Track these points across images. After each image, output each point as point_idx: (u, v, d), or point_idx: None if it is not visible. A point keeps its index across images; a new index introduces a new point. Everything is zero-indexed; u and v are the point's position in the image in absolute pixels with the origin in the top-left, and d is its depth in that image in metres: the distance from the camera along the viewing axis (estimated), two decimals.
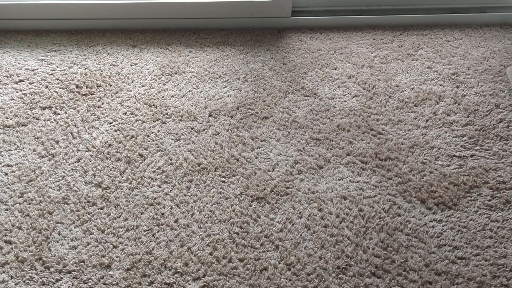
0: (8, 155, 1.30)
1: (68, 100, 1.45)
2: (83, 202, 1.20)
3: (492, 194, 1.23)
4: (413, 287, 1.06)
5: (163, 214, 1.18)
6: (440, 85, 1.51)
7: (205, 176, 1.26)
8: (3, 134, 1.35)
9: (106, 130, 1.37)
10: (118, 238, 1.14)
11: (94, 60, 1.58)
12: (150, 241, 1.13)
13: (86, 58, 1.59)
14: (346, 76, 1.53)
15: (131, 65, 1.57)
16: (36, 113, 1.41)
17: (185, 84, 1.51)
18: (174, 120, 1.40)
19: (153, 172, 1.27)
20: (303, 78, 1.53)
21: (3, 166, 1.28)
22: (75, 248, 1.12)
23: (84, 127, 1.38)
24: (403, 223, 1.16)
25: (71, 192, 1.22)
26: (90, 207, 1.19)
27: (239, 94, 1.48)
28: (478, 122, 1.40)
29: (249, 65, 1.57)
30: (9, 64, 1.56)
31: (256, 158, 1.30)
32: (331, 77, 1.53)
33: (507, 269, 1.09)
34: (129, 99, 1.46)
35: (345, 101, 1.46)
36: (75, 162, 1.29)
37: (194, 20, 1.69)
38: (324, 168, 1.28)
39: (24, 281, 1.07)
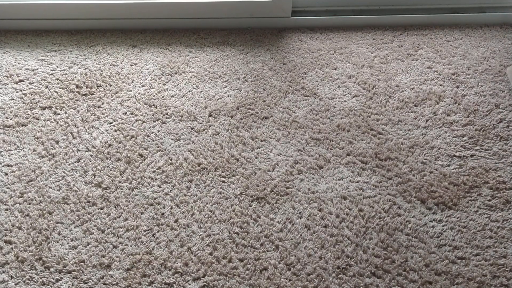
0: (8, 155, 1.30)
1: (68, 100, 1.45)
2: (83, 202, 1.20)
3: (492, 194, 1.23)
4: (413, 287, 1.06)
5: (163, 214, 1.18)
6: (440, 85, 1.51)
7: (205, 176, 1.26)
8: (3, 134, 1.35)
9: (106, 130, 1.37)
10: (118, 238, 1.14)
11: (94, 60, 1.58)
12: (150, 241, 1.13)
13: (86, 58, 1.59)
14: (346, 76, 1.53)
15: (131, 65, 1.57)
16: (36, 113, 1.41)
17: (185, 84, 1.51)
18: (174, 120, 1.40)
19: (153, 172, 1.27)
20: (303, 78, 1.53)
21: (3, 166, 1.28)
22: (75, 248, 1.12)
23: (84, 127, 1.38)
24: (403, 223, 1.16)
25: (71, 192, 1.22)
26: (90, 207, 1.19)
27: (239, 94, 1.48)
28: (478, 122, 1.40)
29: (249, 65, 1.57)
30: (9, 64, 1.56)
31: (256, 158, 1.30)
32: (331, 77, 1.53)
33: (507, 269, 1.09)
34: (129, 99, 1.46)
35: (345, 101, 1.46)
36: (75, 162, 1.29)
37: (194, 20, 1.69)
38: (324, 168, 1.28)
39: (24, 281, 1.07)
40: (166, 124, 1.39)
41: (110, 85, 1.50)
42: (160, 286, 1.06)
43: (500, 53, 1.62)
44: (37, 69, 1.55)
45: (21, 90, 1.48)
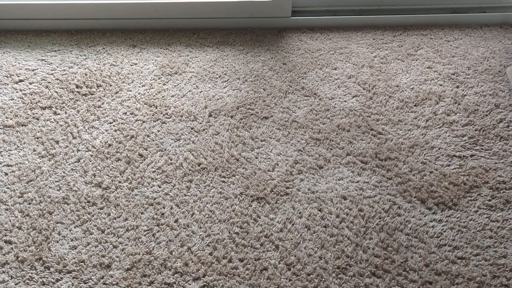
0: (8, 155, 1.30)
1: (68, 100, 1.45)
2: (83, 202, 1.20)
3: (492, 194, 1.23)
4: (413, 287, 1.06)
5: (163, 214, 1.18)
6: (440, 85, 1.51)
7: (205, 176, 1.26)
8: (3, 134, 1.36)
9: (106, 130, 1.37)
10: (118, 238, 1.14)
11: (94, 60, 1.58)
12: (150, 241, 1.13)
13: (86, 58, 1.59)
14: (346, 76, 1.53)
15: (131, 65, 1.57)
16: (36, 113, 1.41)
17: (185, 84, 1.51)
18: (174, 120, 1.40)
19: (153, 172, 1.27)
20: (303, 78, 1.53)
21: (3, 166, 1.28)
22: (75, 248, 1.12)
23: (84, 127, 1.38)
24: (403, 223, 1.16)
25: (71, 192, 1.22)
26: (90, 207, 1.19)
27: (239, 94, 1.48)
28: (478, 122, 1.40)
29: (249, 65, 1.57)
30: (9, 64, 1.56)
31: (256, 158, 1.30)
32: (331, 77, 1.53)
33: (507, 269, 1.09)
34: (129, 99, 1.46)
35: (345, 101, 1.46)
36: (75, 162, 1.29)
37: (194, 20, 1.69)
38: (324, 168, 1.28)
39: (24, 281, 1.07)
40: (166, 124, 1.39)
41: (110, 85, 1.50)
42: (160, 286, 1.06)
43: (500, 53, 1.62)
44: (37, 69, 1.55)
45: (21, 90, 1.48)
